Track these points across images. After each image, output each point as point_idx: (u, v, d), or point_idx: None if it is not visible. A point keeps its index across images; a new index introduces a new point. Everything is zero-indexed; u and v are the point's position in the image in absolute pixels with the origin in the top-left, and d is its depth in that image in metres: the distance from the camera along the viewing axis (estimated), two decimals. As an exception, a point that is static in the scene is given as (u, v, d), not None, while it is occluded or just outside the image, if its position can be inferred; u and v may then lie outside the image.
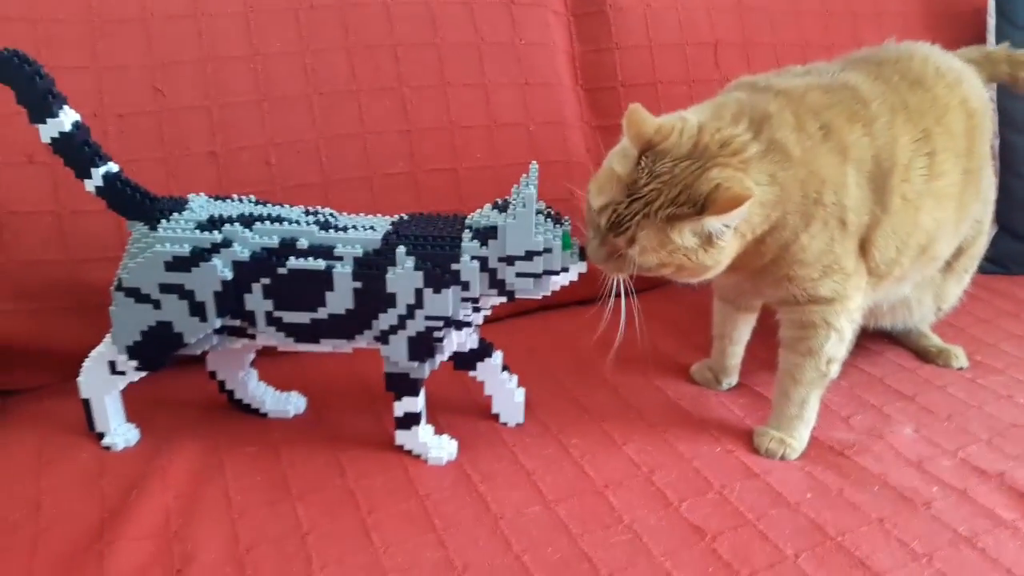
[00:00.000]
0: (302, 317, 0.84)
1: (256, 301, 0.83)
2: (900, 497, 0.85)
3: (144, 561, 0.74)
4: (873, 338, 1.18)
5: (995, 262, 1.43)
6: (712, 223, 0.77)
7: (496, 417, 0.97)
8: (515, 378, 0.96)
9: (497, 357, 0.95)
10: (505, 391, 0.96)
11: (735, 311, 1.05)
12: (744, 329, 1.06)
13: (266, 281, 0.83)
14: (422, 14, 1.12)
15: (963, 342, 1.17)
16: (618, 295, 0.83)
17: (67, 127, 0.81)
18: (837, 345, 0.92)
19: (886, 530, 0.80)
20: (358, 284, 0.82)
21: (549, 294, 0.84)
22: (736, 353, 1.07)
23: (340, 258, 0.82)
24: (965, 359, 1.13)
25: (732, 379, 1.07)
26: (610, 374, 1.07)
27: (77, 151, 0.82)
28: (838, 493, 0.85)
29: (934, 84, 0.95)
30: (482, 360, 0.94)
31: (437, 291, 0.82)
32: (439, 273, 0.82)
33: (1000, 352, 1.16)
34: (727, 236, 0.80)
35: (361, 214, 0.88)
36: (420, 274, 0.82)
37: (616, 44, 1.24)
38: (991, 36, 1.43)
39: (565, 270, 0.83)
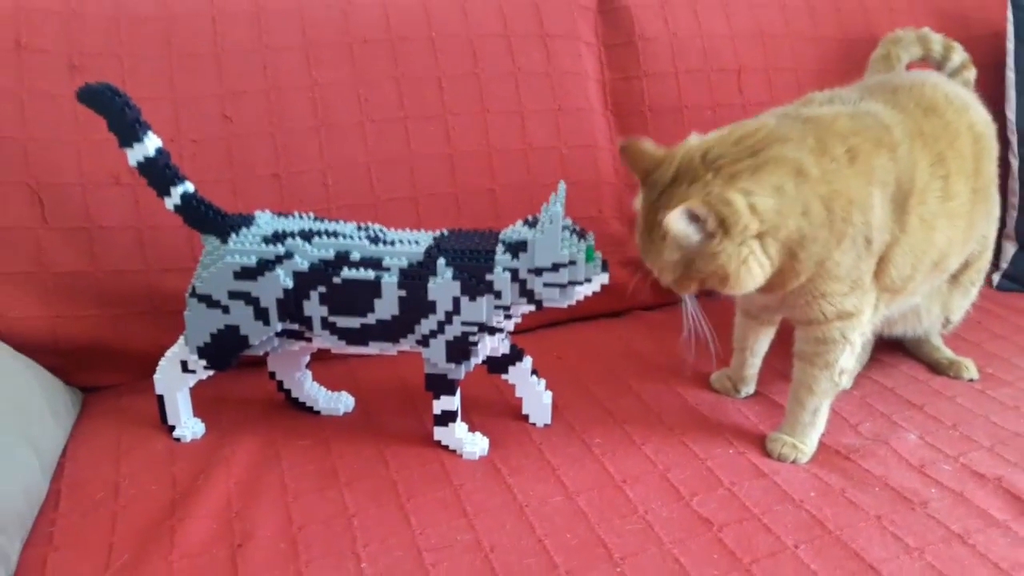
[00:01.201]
0: (353, 322, 0.94)
1: (313, 307, 0.93)
2: (899, 497, 0.91)
3: (209, 537, 0.83)
4: (888, 351, 1.24)
5: (1015, 280, 1.48)
6: (675, 229, 0.83)
7: (526, 418, 1.05)
8: (543, 382, 1.04)
9: (527, 362, 1.03)
10: (534, 393, 1.04)
11: (757, 324, 1.11)
12: (764, 341, 1.13)
13: (322, 289, 0.92)
14: (464, 48, 1.22)
15: (976, 356, 1.22)
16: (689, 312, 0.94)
17: (151, 152, 0.92)
18: (849, 357, 0.98)
19: (883, 526, 0.86)
20: (403, 292, 0.92)
21: (574, 303, 0.92)
22: (754, 364, 1.13)
23: (388, 269, 0.92)
24: (976, 371, 1.17)
25: (750, 388, 1.14)
26: (634, 381, 1.14)
27: (159, 173, 0.93)
28: (840, 492, 0.92)
29: (945, 110, 1.01)
30: (513, 364, 1.03)
31: (473, 299, 0.91)
32: (475, 283, 0.91)
33: (1012, 366, 1.20)
34: (716, 245, 0.84)
35: (407, 230, 0.97)
36: (458, 283, 0.91)
37: (644, 72, 1.32)
38: (1010, 60, 1.47)
39: (588, 280, 0.91)
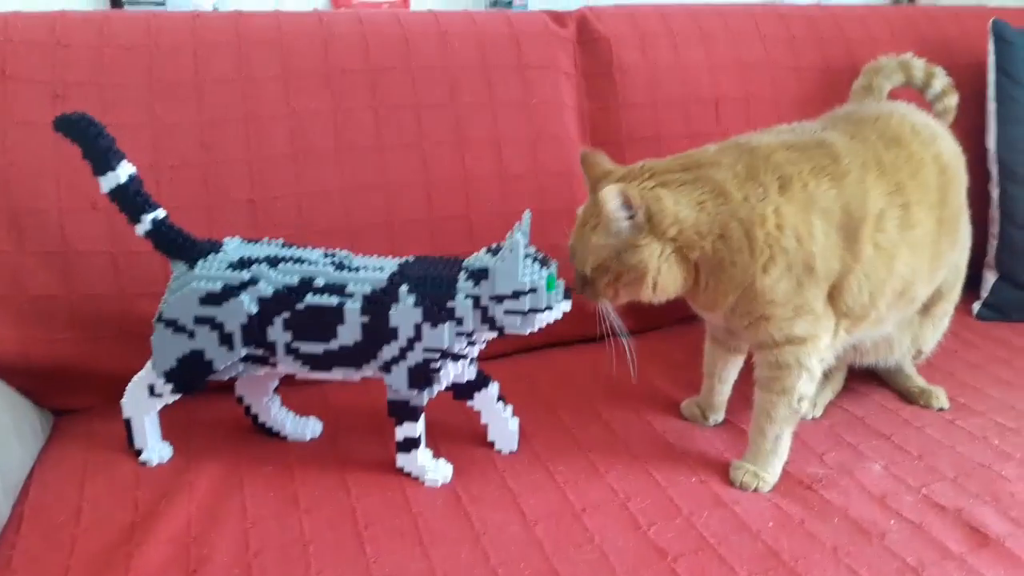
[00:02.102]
0: (317, 347, 0.95)
1: (277, 333, 0.94)
2: (857, 529, 0.91)
3: (165, 561, 0.84)
4: (861, 379, 1.24)
5: (995, 309, 1.48)
6: (608, 205, 0.90)
7: (491, 444, 1.05)
8: (510, 408, 1.05)
9: (493, 388, 1.04)
10: (500, 420, 1.05)
11: (725, 352, 1.12)
12: (732, 369, 1.13)
13: (286, 315, 0.94)
14: (443, 78, 1.24)
15: (950, 385, 1.22)
16: (613, 335, 0.97)
17: (123, 179, 0.94)
18: (808, 384, 0.99)
19: (838, 558, 0.86)
20: (365, 319, 0.93)
21: (536, 330, 0.93)
22: (723, 391, 1.14)
23: (351, 295, 0.93)
24: (946, 400, 1.17)
25: (719, 416, 1.14)
26: (604, 408, 1.15)
27: (131, 200, 0.95)
28: (799, 523, 0.92)
29: (910, 141, 1.02)
30: (479, 391, 1.03)
31: (434, 326, 0.92)
32: (436, 309, 0.92)
33: (984, 396, 1.20)
34: (641, 238, 0.92)
35: (375, 256, 0.99)
36: (420, 310, 0.92)
37: (622, 102, 1.34)
38: (991, 90, 1.48)
39: (550, 308, 0.92)
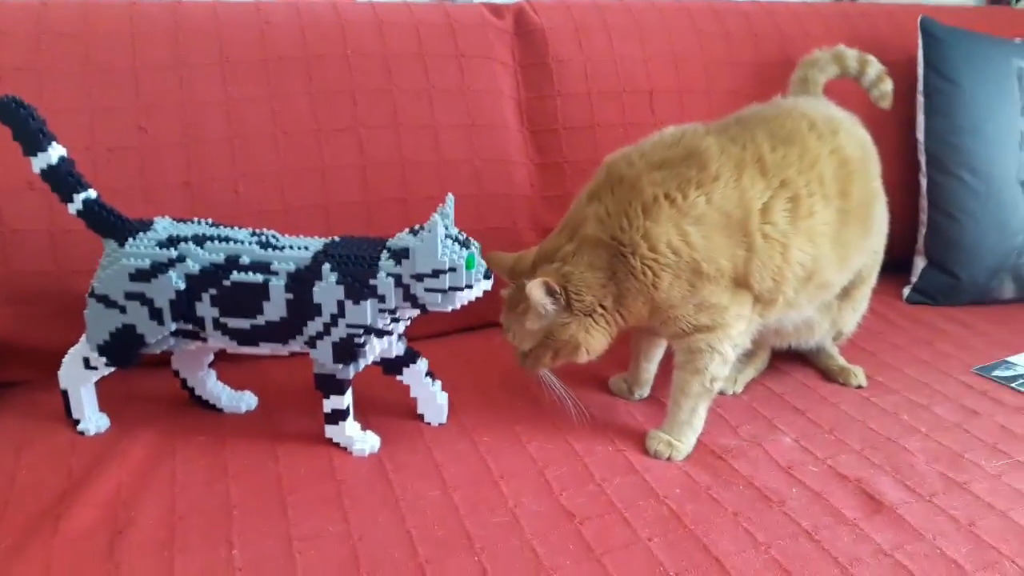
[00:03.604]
0: (243, 323, 0.98)
1: (205, 308, 0.98)
2: (760, 496, 0.95)
3: (92, 524, 0.87)
4: (786, 359, 1.28)
5: (923, 293, 1.53)
6: (535, 297, 0.98)
7: (421, 417, 1.09)
8: (439, 383, 1.09)
9: (422, 364, 1.08)
10: (429, 394, 1.08)
11: (650, 335, 1.16)
12: (657, 350, 1.18)
13: (213, 291, 0.97)
14: (379, 65, 1.28)
15: (870, 364, 1.27)
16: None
17: (54, 160, 0.96)
18: (720, 366, 1.04)
19: (737, 522, 0.90)
20: (290, 295, 0.96)
21: (458, 307, 0.97)
22: (649, 369, 1.18)
23: (276, 273, 0.96)
24: (864, 378, 1.22)
25: (644, 391, 1.18)
26: (535, 384, 1.19)
27: (62, 180, 0.98)
28: (705, 490, 0.96)
29: (805, 138, 1.06)
30: (407, 366, 1.07)
31: (356, 303, 0.96)
32: (358, 287, 0.95)
33: (901, 375, 1.25)
34: (566, 317, 1.01)
35: (301, 236, 1.02)
36: (342, 288, 0.95)
37: (557, 92, 1.38)
38: (920, 84, 1.53)
39: (470, 287, 0.96)
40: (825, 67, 1.36)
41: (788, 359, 1.29)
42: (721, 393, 1.17)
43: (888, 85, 1.36)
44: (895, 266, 1.50)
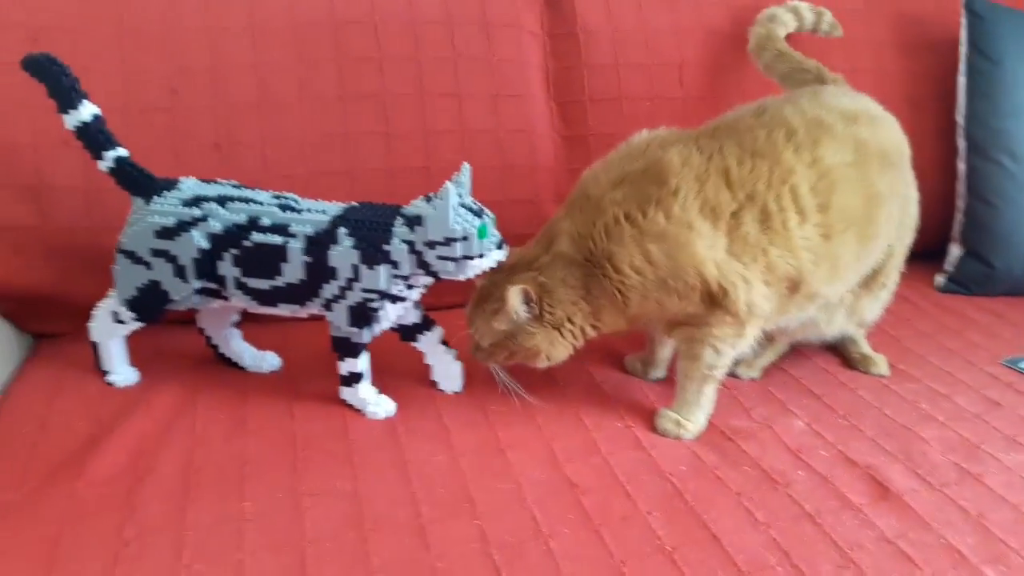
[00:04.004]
0: (263, 283, 1.01)
1: (227, 268, 1.00)
2: (765, 477, 0.95)
3: (115, 471, 0.91)
4: (808, 344, 1.27)
5: (957, 282, 1.50)
6: (512, 302, 0.99)
7: (435, 384, 1.11)
8: (454, 352, 1.10)
9: (437, 332, 1.09)
10: (443, 362, 1.10)
11: None
12: (672, 330, 1.18)
13: (235, 251, 0.99)
14: (406, 32, 1.28)
15: (895, 351, 1.25)
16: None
17: (87, 117, 1.00)
18: (714, 356, 1.03)
19: (739, 502, 0.91)
20: (307, 258, 0.98)
21: (471, 276, 0.98)
22: (664, 350, 1.17)
23: (294, 235, 0.98)
24: (886, 367, 1.20)
25: (659, 372, 1.18)
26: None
27: (93, 137, 1.01)
28: (711, 469, 0.96)
29: (780, 151, 1.01)
30: (423, 333, 1.09)
31: (371, 267, 0.97)
32: (373, 252, 0.97)
33: (925, 363, 1.23)
34: (534, 325, 1.01)
35: (321, 201, 1.04)
36: (357, 252, 0.97)
37: (585, 62, 1.37)
38: (962, 65, 1.48)
39: (482, 256, 0.97)
40: (785, 21, 1.36)
41: (811, 344, 1.27)
42: (736, 377, 1.16)
43: (839, 29, 1.40)
44: (928, 253, 1.47)
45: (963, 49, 1.48)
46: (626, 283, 1.00)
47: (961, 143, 1.49)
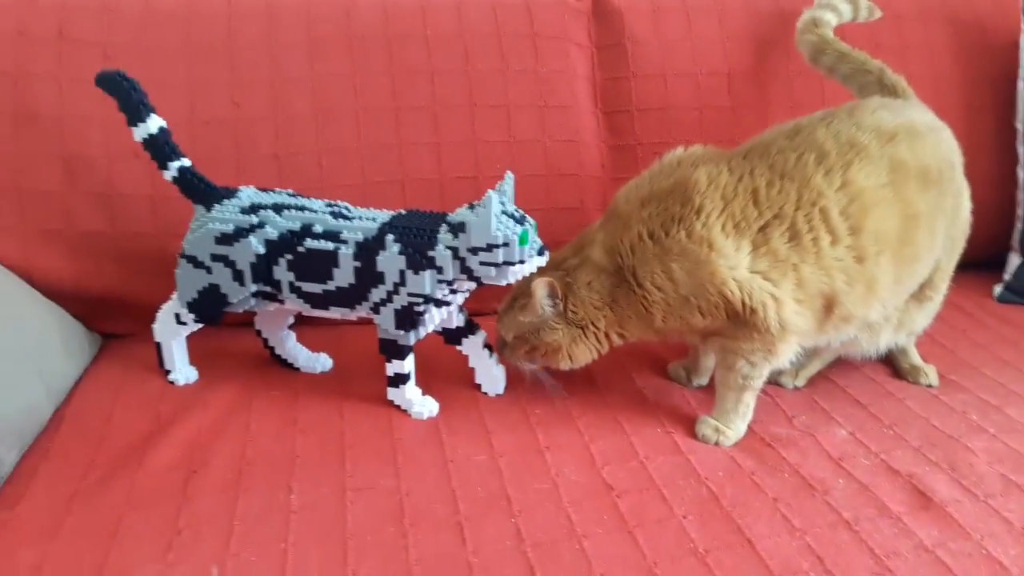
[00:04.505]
0: (315, 287, 1.05)
1: (282, 272, 1.05)
2: (804, 484, 0.95)
3: (172, 462, 0.97)
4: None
5: (1016, 292, 1.46)
6: (538, 294, 1.02)
7: (478, 387, 1.14)
8: (496, 356, 1.13)
9: (481, 336, 1.12)
10: (486, 365, 1.13)
11: None
12: (715, 340, 1.18)
13: (289, 257, 1.04)
14: (457, 45, 1.32)
15: (948, 362, 1.23)
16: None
17: (154, 130, 1.06)
18: (749, 368, 1.03)
19: (775, 508, 0.91)
20: (357, 263, 1.02)
21: (511, 282, 1.01)
22: (708, 358, 1.17)
23: (345, 242, 1.03)
24: (935, 378, 1.18)
25: (703, 379, 1.18)
26: (592, 363, 1.21)
27: (160, 149, 1.07)
28: (749, 475, 0.97)
29: (811, 175, 1.00)
30: (467, 337, 1.12)
31: (416, 272, 1.01)
32: (418, 258, 1.01)
33: (977, 374, 1.20)
34: (557, 321, 1.05)
35: (371, 209, 1.08)
36: (403, 258, 1.01)
37: (632, 73, 1.39)
38: (1023, 70, 1.45)
39: (523, 262, 0.99)
40: (829, 20, 1.33)
41: (859, 351, 1.26)
42: (780, 386, 1.16)
43: (877, 11, 1.39)
44: (987, 263, 1.44)
45: (1023, 53, 1.45)
46: (649, 298, 1.02)
47: (1021, 150, 1.45)
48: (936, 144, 1.09)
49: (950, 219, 1.11)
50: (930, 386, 1.18)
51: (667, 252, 1.00)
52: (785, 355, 1.04)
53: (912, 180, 1.03)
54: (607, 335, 1.06)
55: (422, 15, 1.32)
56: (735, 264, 0.98)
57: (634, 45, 1.39)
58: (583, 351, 1.07)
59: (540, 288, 1.02)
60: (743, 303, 0.99)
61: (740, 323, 1.01)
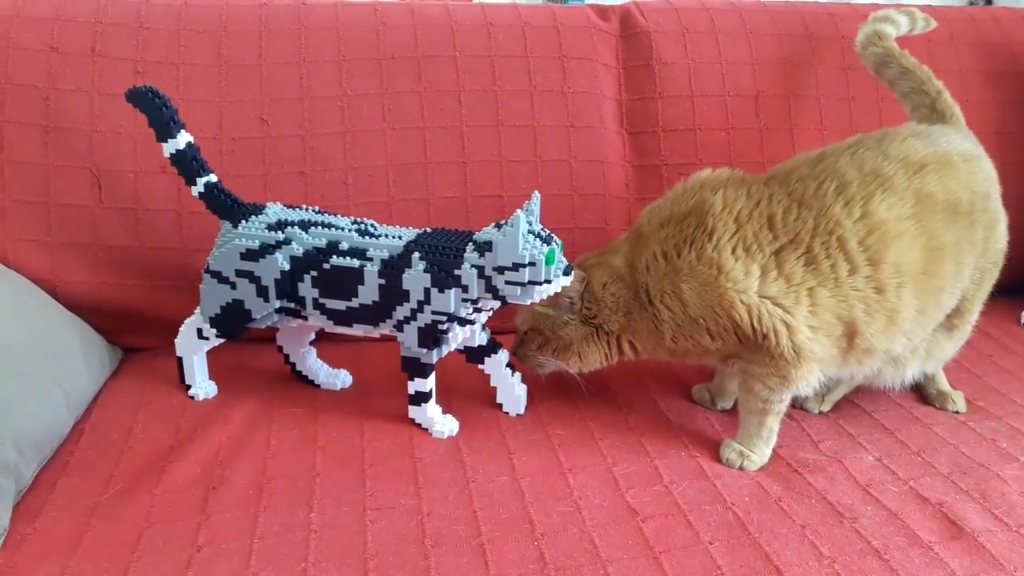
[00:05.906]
0: (340, 304, 1.05)
1: (306, 288, 1.05)
2: (832, 511, 0.93)
3: (192, 478, 0.96)
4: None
5: (1047, 321, 1.43)
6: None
7: (500, 406, 1.13)
8: (519, 375, 1.12)
9: (503, 355, 1.12)
10: (508, 384, 1.12)
11: None
12: (741, 359, 1.17)
13: (314, 273, 1.04)
14: (484, 66, 1.33)
15: (975, 388, 1.21)
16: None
17: (182, 146, 1.07)
18: (768, 393, 1.02)
19: (803, 535, 0.89)
20: (382, 281, 1.02)
21: (536, 301, 1.00)
22: (732, 381, 1.15)
23: (370, 259, 1.03)
24: (963, 404, 1.16)
25: (727, 403, 1.17)
26: (615, 384, 1.21)
27: (188, 164, 1.08)
28: (775, 501, 0.95)
29: (831, 204, 0.99)
30: (489, 356, 1.11)
31: (441, 291, 1.01)
32: (444, 276, 1.00)
33: (1006, 400, 1.19)
34: (572, 316, 1.07)
35: (397, 227, 1.08)
36: (428, 276, 1.00)
37: (659, 94, 1.38)
38: (1053, 97, 1.44)
39: (548, 282, 0.99)
40: (890, 33, 1.29)
41: (884, 377, 1.24)
42: (806, 411, 1.15)
43: (932, 24, 1.37)
44: (1014, 289, 1.42)
45: (1053, 80, 1.44)
46: (659, 316, 1.03)
47: (1051, 176, 1.44)
48: (970, 174, 1.07)
49: (980, 250, 1.09)
50: (958, 412, 1.16)
51: (678, 272, 1.01)
52: (805, 382, 1.02)
53: (939, 212, 1.02)
54: (618, 341, 1.08)
55: (451, 36, 1.33)
56: (744, 287, 0.98)
57: (661, 66, 1.39)
58: (593, 352, 1.08)
59: (575, 278, 1.03)
60: (753, 327, 0.98)
61: (755, 347, 1.00)
